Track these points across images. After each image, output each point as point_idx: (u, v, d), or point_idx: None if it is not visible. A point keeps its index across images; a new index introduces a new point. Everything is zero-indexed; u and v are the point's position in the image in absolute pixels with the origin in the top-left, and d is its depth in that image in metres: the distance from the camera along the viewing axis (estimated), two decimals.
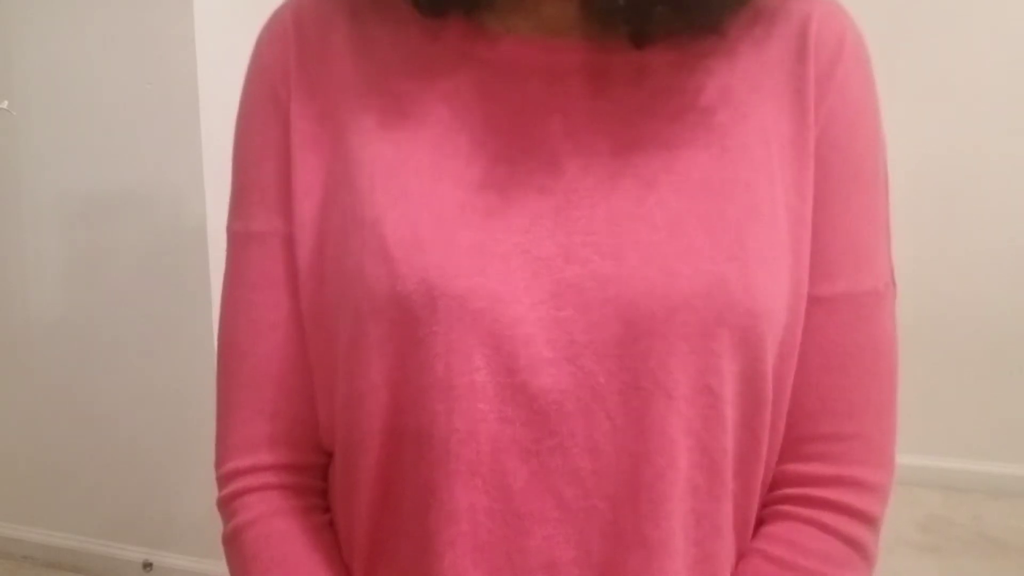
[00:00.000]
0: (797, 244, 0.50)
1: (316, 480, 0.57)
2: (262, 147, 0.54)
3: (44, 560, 2.09)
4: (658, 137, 0.49)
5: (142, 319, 1.89)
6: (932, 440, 2.33)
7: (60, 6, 1.80)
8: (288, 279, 0.54)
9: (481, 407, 0.46)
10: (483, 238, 0.47)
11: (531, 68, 0.51)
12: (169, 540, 1.97)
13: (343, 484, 0.53)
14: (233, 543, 0.54)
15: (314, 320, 0.53)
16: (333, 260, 0.51)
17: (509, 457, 0.46)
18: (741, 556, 0.52)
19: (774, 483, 0.52)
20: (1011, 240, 2.29)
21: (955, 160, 2.31)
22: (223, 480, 0.55)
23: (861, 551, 0.50)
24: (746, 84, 0.51)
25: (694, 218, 0.47)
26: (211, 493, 0.56)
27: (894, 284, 0.53)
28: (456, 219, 0.47)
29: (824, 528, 0.50)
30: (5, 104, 1.81)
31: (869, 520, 0.51)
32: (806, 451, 0.51)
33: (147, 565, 1.98)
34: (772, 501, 0.52)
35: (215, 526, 0.56)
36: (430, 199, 0.48)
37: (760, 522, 0.52)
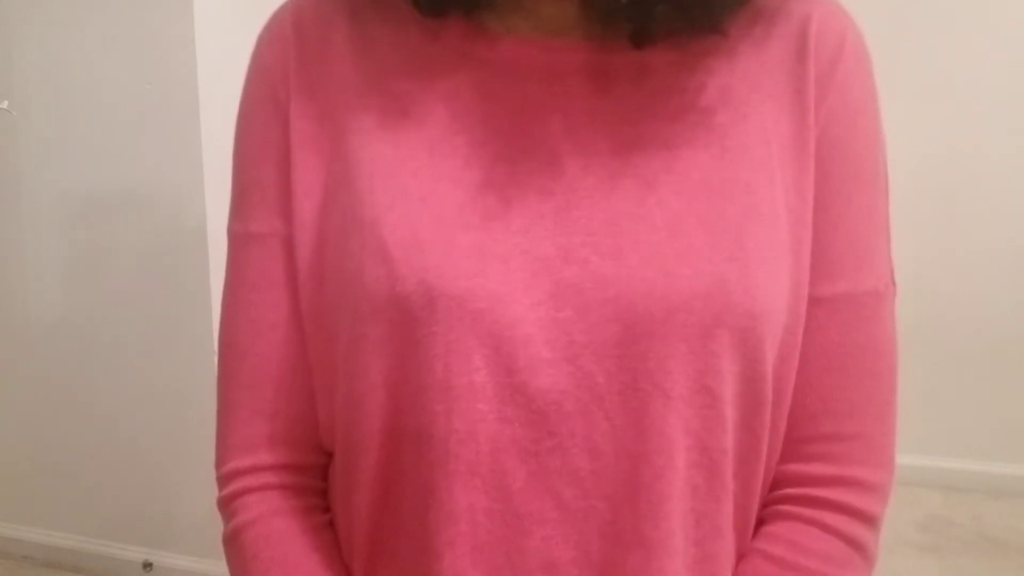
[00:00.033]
0: (797, 244, 0.50)
1: (316, 480, 0.57)
2: (262, 148, 0.54)
3: (44, 560, 2.09)
4: (658, 137, 0.49)
5: (142, 319, 1.89)
6: (932, 440, 2.33)
7: (60, 6, 1.80)
8: (288, 279, 0.54)
9: (480, 407, 0.46)
10: (482, 239, 0.47)
11: (531, 68, 0.51)
12: (169, 540, 1.97)
13: (343, 484, 0.53)
14: (233, 543, 0.54)
15: (314, 320, 0.53)
16: (333, 260, 0.51)
17: (508, 457, 0.46)
18: (741, 556, 0.52)
19: (775, 483, 0.52)
20: (1011, 240, 2.29)
21: (955, 160, 2.31)
22: (223, 480, 0.55)
23: (862, 551, 0.51)
24: (746, 84, 0.51)
25: (694, 218, 0.47)
26: (211, 493, 0.56)
27: (894, 284, 0.53)
28: (455, 220, 0.47)
29: (825, 528, 0.50)
30: (5, 104, 1.81)
31: (870, 520, 0.51)
32: (807, 451, 0.51)
33: (147, 565, 1.98)
34: (773, 501, 0.52)
35: (215, 526, 0.56)
36: (429, 200, 0.48)
37: (760, 522, 0.52)
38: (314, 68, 0.53)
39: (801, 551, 0.50)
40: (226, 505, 0.55)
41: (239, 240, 0.55)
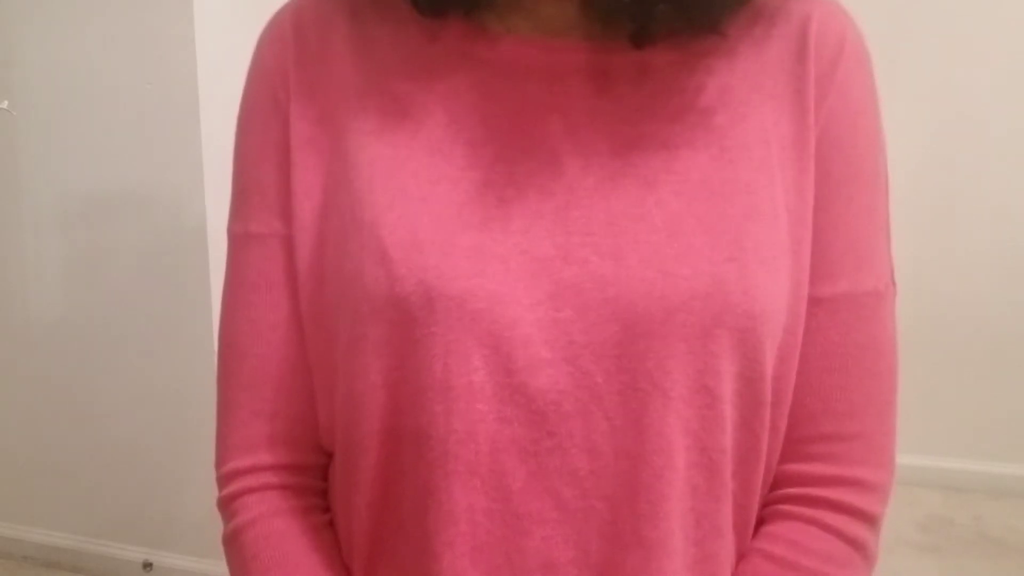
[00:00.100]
0: (797, 245, 0.49)
1: (316, 480, 0.57)
2: (262, 149, 0.54)
3: (44, 560, 2.09)
4: (658, 137, 0.49)
5: (142, 319, 1.89)
6: (932, 440, 2.33)
7: (60, 6, 1.80)
8: (288, 280, 0.54)
9: (480, 407, 0.46)
10: (482, 239, 0.47)
11: (531, 68, 0.51)
12: (169, 540, 1.97)
13: (342, 484, 0.53)
14: (233, 543, 0.54)
15: (314, 321, 0.53)
16: (332, 261, 0.51)
17: (508, 457, 0.46)
18: (742, 556, 0.52)
19: (775, 483, 0.52)
20: (1011, 240, 2.29)
21: (955, 160, 2.30)
22: (223, 480, 0.55)
23: (862, 551, 0.51)
24: (746, 84, 0.51)
25: (693, 219, 0.47)
26: (211, 493, 0.56)
27: (894, 284, 0.53)
28: (455, 220, 0.47)
29: (826, 528, 0.50)
30: (5, 104, 1.81)
31: (870, 520, 0.51)
32: (807, 451, 0.51)
33: (147, 565, 1.98)
34: (773, 501, 0.52)
35: (215, 526, 0.56)
36: (429, 200, 0.48)
37: (761, 522, 0.52)
38: (314, 69, 0.53)
39: (801, 551, 0.50)
40: (226, 505, 0.55)
41: (239, 240, 0.55)
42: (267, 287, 0.54)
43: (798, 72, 0.51)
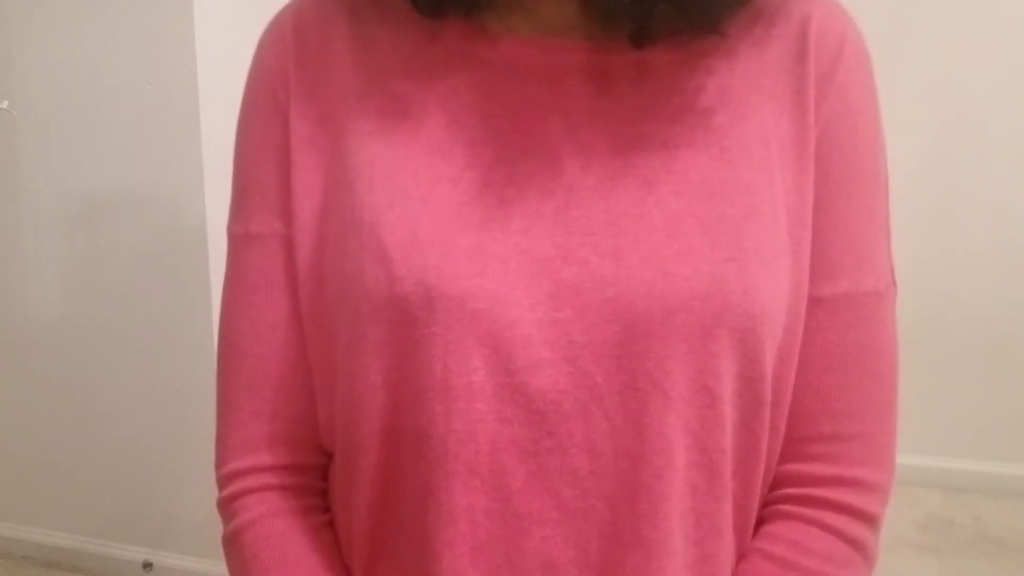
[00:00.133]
0: (797, 245, 0.49)
1: (316, 480, 0.57)
2: (262, 149, 0.54)
3: (44, 560, 2.09)
4: (658, 137, 0.49)
5: (142, 319, 1.89)
6: (932, 440, 2.33)
7: (60, 6, 1.80)
8: (287, 280, 0.54)
9: (479, 407, 0.46)
10: (482, 239, 0.47)
11: (531, 68, 0.51)
12: (169, 540, 1.97)
13: (343, 484, 0.53)
14: (233, 544, 0.54)
15: (314, 321, 0.53)
16: (332, 261, 0.51)
17: (508, 457, 0.46)
18: (742, 556, 0.52)
19: (775, 483, 0.52)
20: (1011, 240, 2.29)
21: (955, 160, 2.30)
22: (223, 481, 0.55)
23: (862, 551, 0.51)
24: (746, 84, 0.51)
25: (693, 219, 0.47)
26: (211, 493, 0.56)
27: (894, 284, 0.53)
28: (455, 220, 0.47)
29: (826, 528, 0.50)
30: (5, 104, 1.81)
31: (870, 520, 0.51)
32: (807, 451, 0.51)
33: (147, 565, 1.98)
34: (773, 501, 0.52)
35: (215, 526, 0.56)
36: (429, 200, 0.48)
37: (760, 522, 0.52)
38: (314, 69, 0.53)
39: (801, 551, 0.50)
40: (226, 506, 0.55)
41: (239, 241, 0.55)
42: (267, 287, 0.54)
43: (798, 72, 0.51)
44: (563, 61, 0.51)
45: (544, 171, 0.49)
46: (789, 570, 0.49)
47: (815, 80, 0.51)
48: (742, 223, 0.47)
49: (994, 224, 2.30)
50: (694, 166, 0.48)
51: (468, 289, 0.46)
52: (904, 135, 2.17)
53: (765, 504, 0.52)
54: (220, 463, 0.56)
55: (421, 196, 0.48)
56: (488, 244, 0.47)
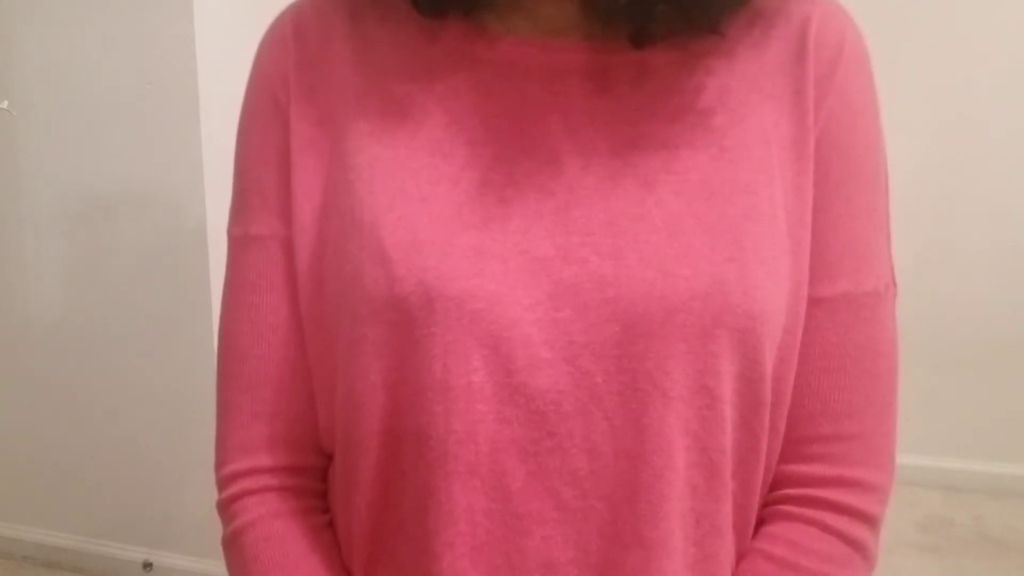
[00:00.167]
0: (797, 245, 0.49)
1: (315, 482, 0.57)
2: (262, 151, 0.54)
3: (44, 560, 2.09)
4: (658, 137, 0.49)
5: (142, 319, 1.89)
6: (932, 440, 2.33)
7: (60, 6, 1.80)
8: (287, 282, 0.54)
9: (479, 408, 0.46)
10: (482, 239, 0.47)
11: (531, 68, 0.51)
12: (169, 540, 1.97)
13: (343, 485, 0.53)
14: (233, 546, 0.54)
15: (314, 322, 0.53)
16: (332, 262, 0.51)
17: (507, 458, 0.46)
18: (742, 556, 0.52)
19: (775, 483, 0.52)
20: (1011, 240, 2.29)
21: (955, 160, 2.30)
22: (222, 483, 0.55)
23: (862, 551, 0.51)
24: (745, 85, 0.51)
25: (693, 219, 0.47)
26: (211, 493, 0.56)
27: (894, 284, 0.53)
28: (454, 220, 0.47)
29: (826, 529, 0.50)
30: (5, 104, 1.81)
31: (870, 520, 0.51)
32: (807, 452, 0.51)
33: (147, 565, 1.98)
34: (773, 501, 0.52)
35: (215, 526, 0.56)
36: (429, 200, 0.48)
37: (761, 522, 0.52)
38: (314, 71, 0.54)
39: (802, 551, 0.50)
40: (225, 508, 0.55)
41: (239, 243, 0.56)
42: (267, 289, 0.54)
43: (797, 73, 0.51)
44: (563, 61, 0.51)
45: (544, 171, 0.49)
46: (789, 570, 0.49)
47: (814, 81, 0.51)
48: (742, 223, 0.47)
49: (994, 224, 2.30)
50: (694, 166, 0.48)
51: (468, 289, 0.46)
52: (904, 135, 2.17)
53: (765, 504, 0.52)
54: (220, 465, 0.55)
55: (421, 196, 0.48)
56: (488, 244, 0.47)
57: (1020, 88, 2.23)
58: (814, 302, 0.50)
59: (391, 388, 0.48)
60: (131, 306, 1.89)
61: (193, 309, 1.82)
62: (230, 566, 0.54)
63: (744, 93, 0.50)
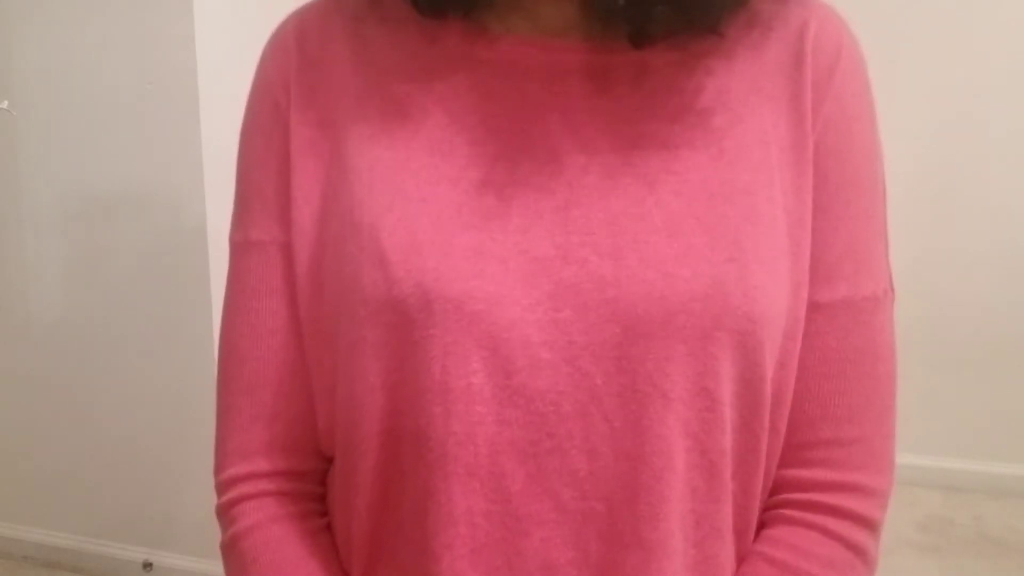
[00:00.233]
0: (796, 247, 0.49)
1: (313, 486, 0.57)
2: (263, 157, 0.54)
3: (44, 560, 2.09)
4: (658, 137, 0.49)
5: (142, 319, 1.89)
6: (932, 440, 2.33)
7: (60, 6, 1.80)
8: (286, 286, 0.54)
9: (479, 409, 0.46)
10: (481, 239, 0.47)
11: (530, 68, 0.51)
12: (169, 540, 1.97)
13: (342, 487, 0.53)
14: (231, 551, 0.54)
15: (313, 325, 0.53)
16: (331, 264, 0.51)
17: (507, 459, 0.46)
18: (742, 558, 0.51)
19: (776, 488, 0.52)
20: (1011, 240, 2.29)
21: (954, 160, 2.30)
22: (221, 488, 0.55)
23: (863, 556, 0.51)
24: (744, 86, 0.51)
25: (693, 219, 0.47)
26: (211, 493, 0.56)
27: (892, 290, 0.53)
28: (454, 221, 0.47)
29: (827, 533, 0.50)
30: (5, 104, 1.81)
31: (871, 525, 0.51)
32: (808, 456, 0.51)
33: (147, 565, 1.98)
34: (774, 505, 0.52)
35: (215, 526, 0.56)
36: (428, 200, 0.48)
37: (762, 526, 0.52)
38: (314, 75, 0.54)
39: (803, 555, 0.50)
40: (224, 512, 0.55)
41: (240, 248, 0.56)
42: (267, 293, 0.54)
43: (795, 77, 0.51)
44: (562, 61, 0.51)
45: (544, 170, 0.49)
46: (791, 574, 0.49)
47: (812, 86, 0.51)
48: (742, 224, 0.47)
49: (994, 224, 2.30)
50: (694, 166, 0.48)
51: (467, 291, 0.46)
52: (904, 135, 2.17)
53: (766, 508, 0.52)
54: (218, 469, 0.56)
55: (421, 197, 0.48)
56: (487, 244, 0.47)
57: (1020, 88, 2.23)
58: (813, 307, 0.50)
59: (390, 390, 0.48)
60: (131, 306, 1.89)
61: (193, 309, 1.82)
62: (228, 572, 0.54)
63: (743, 94, 0.50)
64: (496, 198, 0.48)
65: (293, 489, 0.55)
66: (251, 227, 0.55)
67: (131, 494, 1.99)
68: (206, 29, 1.72)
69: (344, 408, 0.51)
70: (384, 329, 0.47)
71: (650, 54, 0.51)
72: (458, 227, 0.47)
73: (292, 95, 0.53)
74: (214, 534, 0.56)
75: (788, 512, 0.51)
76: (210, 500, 0.57)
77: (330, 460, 0.56)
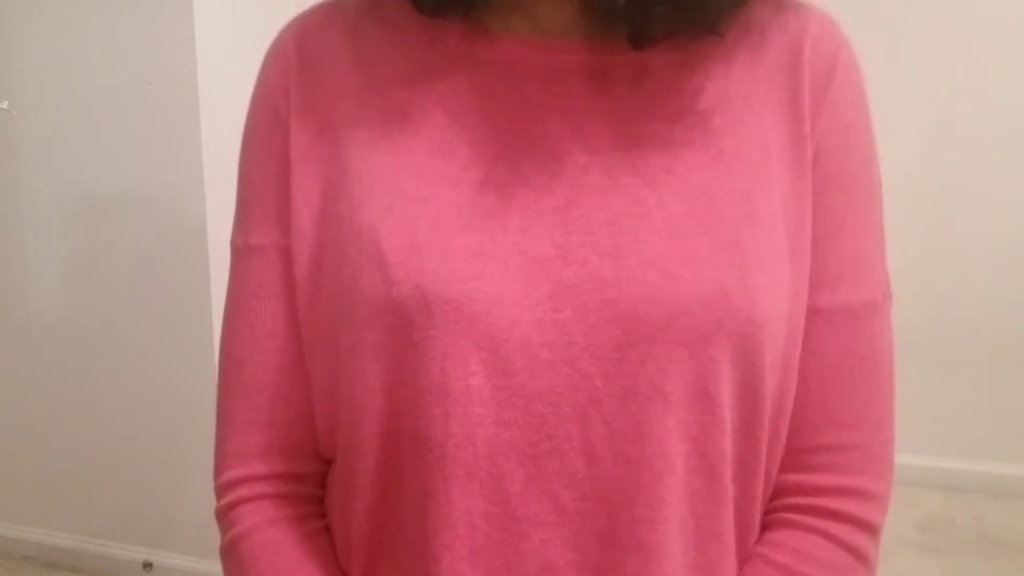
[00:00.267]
0: (796, 250, 0.49)
1: (311, 488, 0.57)
2: (263, 162, 0.55)
3: (44, 560, 2.09)
4: (658, 137, 0.49)
5: (142, 319, 1.89)
6: (932, 440, 2.33)
7: (60, 6, 1.80)
8: (285, 290, 0.54)
9: (478, 411, 0.46)
10: (481, 240, 0.47)
11: (530, 68, 0.51)
12: (169, 540, 1.97)
13: (342, 488, 0.53)
14: (230, 555, 0.54)
15: (313, 328, 0.53)
16: (331, 267, 0.51)
17: (506, 460, 0.46)
18: (743, 561, 0.51)
19: (777, 492, 0.52)
20: (1010, 240, 2.29)
21: (954, 161, 2.31)
22: (220, 490, 0.55)
23: (863, 560, 0.51)
24: (743, 89, 0.51)
25: (694, 221, 0.47)
26: (211, 493, 0.56)
27: (890, 295, 0.53)
28: (453, 222, 0.47)
29: (829, 537, 0.50)
30: (5, 104, 1.81)
31: (871, 529, 0.51)
32: (809, 461, 0.51)
33: (147, 565, 1.98)
34: (776, 509, 0.52)
35: (215, 526, 0.56)
36: (428, 201, 0.48)
37: (763, 529, 0.52)
38: (314, 80, 0.54)
39: (805, 559, 0.50)
40: (223, 516, 0.55)
41: (240, 252, 0.56)
42: (266, 297, 0.54)
43: (793, 83, 0.51)
44: (562, 61, 0.51)
45: (544, 170, 0.49)
46: None
47: (809, 93, 0.51)
48: (742, 226, 0.47)
49: (994, 224, 2.30)
50: (694, 167, 0.48)
51: (466, 292, 0.46)
52: (904, 136, 2.17)
53: (768, 512, 0.52)
54: (217, 472, 0.56)
55: (420, 197, 0.48)
56: (487, 244, 0.47)
57: (1019, 89, 2.23)
58: (813, 312, 0.50)
59: (389, 391, 0.48)
60: (131, 306, 1.89)
61: (193, 309, 1.82)
62: (227, 575, 0.54)
63: (742, 97, 0.50)
64: (496, 198, 0.48)
65: (291, 492, 0.55)
66: (251, 231, 0.55)
67: (131, 494, 1.99)
68: (206, 29, 1.72)
69: (343, 410, 0.51)
70: (383, 330, 0.47)
71: (650, 55, 0.51)
72: (458, 227, 0.47)
73: (292, 101, 0.54)
74: (214, 534, 0.56)
75: (789, 516, 0.51)
76: (210, 500, 0.57)
77: (328, 462, 0.56)
